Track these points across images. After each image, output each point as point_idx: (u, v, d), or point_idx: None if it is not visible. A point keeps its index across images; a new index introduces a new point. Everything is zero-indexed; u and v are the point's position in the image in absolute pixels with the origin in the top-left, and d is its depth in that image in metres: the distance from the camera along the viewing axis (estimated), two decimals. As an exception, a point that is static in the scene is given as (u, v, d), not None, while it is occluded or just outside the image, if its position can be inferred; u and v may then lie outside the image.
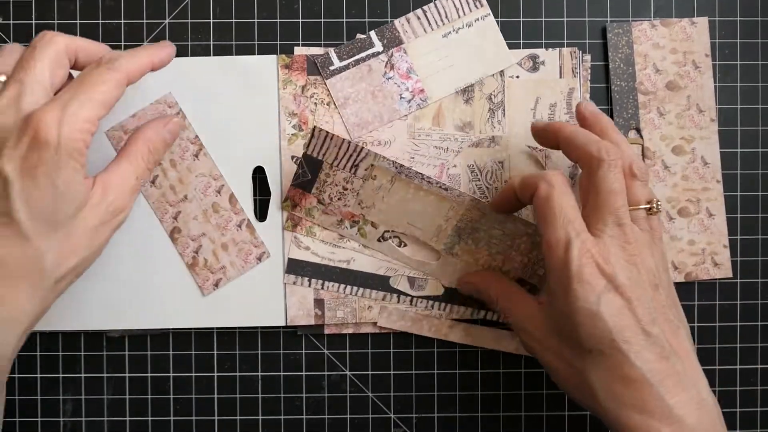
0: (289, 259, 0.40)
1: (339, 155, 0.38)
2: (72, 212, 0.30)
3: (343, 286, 0.40)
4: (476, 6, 0.41)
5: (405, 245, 0.40)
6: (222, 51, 0.41)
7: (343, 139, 0.38)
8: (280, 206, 0.40)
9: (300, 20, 0.41)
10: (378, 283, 0.40)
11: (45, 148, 0.29)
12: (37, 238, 0.29)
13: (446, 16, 0.41)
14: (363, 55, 0.40)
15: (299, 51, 0.41)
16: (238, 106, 0.40)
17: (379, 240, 0.40)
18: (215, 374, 0.41)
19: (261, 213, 0.41)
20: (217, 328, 0.41)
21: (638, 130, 0.41)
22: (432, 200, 0.38)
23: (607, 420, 0.31)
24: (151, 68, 0.34)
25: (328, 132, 0.37)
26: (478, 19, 0.41)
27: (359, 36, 0.41)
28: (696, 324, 0.41)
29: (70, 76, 0.34)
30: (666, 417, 0.29)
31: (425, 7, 0.41)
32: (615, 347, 0.30)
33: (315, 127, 0.37)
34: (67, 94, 0.30)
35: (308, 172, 0.39)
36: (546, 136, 0.36)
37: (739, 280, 0.41)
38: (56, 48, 0.31)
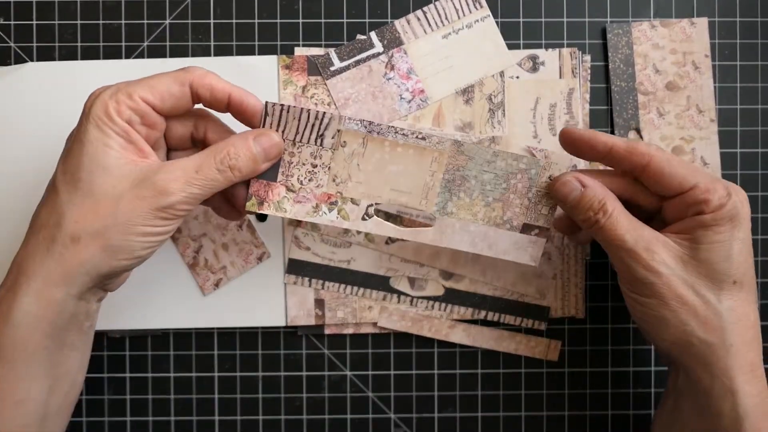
0: (290, 260, 0.40)
1: (300, 128, 0.33)
2: (94, 170, 0.30)
3: (343, 286, 0.40)
4: (476, 7, 0.41)
5: (395, 217, 0.36)
6: (222, 52, 0.41)
7: (302, 108, 0.33)
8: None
9: (300, 21, 0.41)
10: (378, 283, 0.41)
11: (84, 111, 0.31)
12: (62, 192, 0.31)
13: (446, 17, 0.41)
14: (363, 55, 0.40)
15: (299, 51, 0.41)
16: (239, 106, 0.40)
17: (363, 218, 0.35)
18: (215, 374, 0.41)
19: (261, 213, 0.41)
20: (218, 328, 0.41)
21: (638, 131, 0.41)
22: (411, 155, 0.34)
23: (723, 361, 0.32)
24: (229, 101, 0.32)
25: (282, 104, 0.33)
26: (478, 20, 0.41)
27: (359, 37, 0.41)
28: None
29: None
30: (760, 364, 0.32)
31: (425, 8, 0.41)
32: (752, 283, 0.32)
33: (266, 102, 0.33)
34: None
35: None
36: (589, 145, 0.34)
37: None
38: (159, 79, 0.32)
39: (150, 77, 0.32)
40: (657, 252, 0.32)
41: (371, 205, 0.35)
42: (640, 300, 0.33)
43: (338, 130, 0.34)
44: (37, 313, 0.30)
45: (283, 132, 0.33)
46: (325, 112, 0.33)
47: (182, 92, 0.31)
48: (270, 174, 0.34)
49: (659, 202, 0.34)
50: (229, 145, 0.32)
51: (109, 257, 0.30)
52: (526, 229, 0.36)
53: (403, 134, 0.34)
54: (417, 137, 0.34)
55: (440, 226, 0.35)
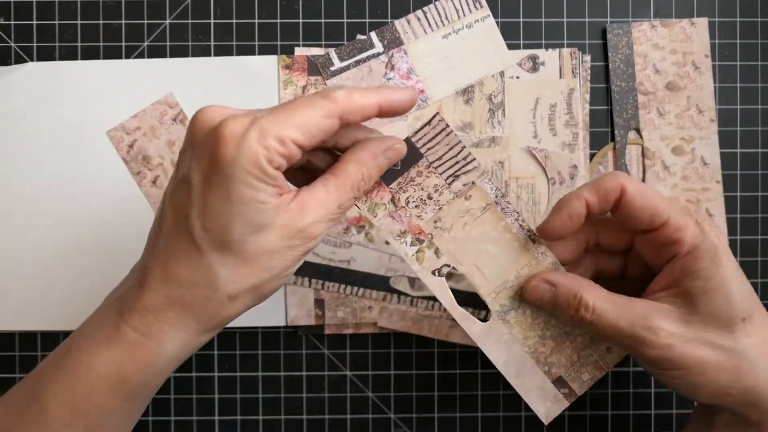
0: (290, 260, 0.40)
1: (444, 157, 0.32)
2: (248, 232, 0.27)
3: (343, 286, 0.40)
4: (476, 7, 0.41)
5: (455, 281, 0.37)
6: (223, 51, 0.41)
7: (459, 141, 0.32)
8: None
9: (300, 21, 0.41)
10: (378, 283, 0.41)
11: (222, 157, 0.26)
12: (207, 251, 0.27)
13: (446, 17, 0.41)
14: (363, 55, 0.40)
15: (300, 51, 0.41)
16: (239, 106, 0.40)
17: (434, 273, 0.33)
18: (216, 374, 0.41)
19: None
20: (218, 329, 0.41)
21: (638, 131, 0.41)
22: (514, 247, 0.33)
23: (761, 389, 0.30)
24: (380, 111, 0.29)
25: (447, 125, 0.31)
26: (478, 20, 0.41)
27: (360, 37, 0.41)
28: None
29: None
30: None
31: (425, 8, 0.41)
32: (759, 306, 0.31)
33: (437, 114, 0.31)
34: (266, 111, 0.27)
35: (399, 162, 0.31)
36: (575, 218, 0.31)
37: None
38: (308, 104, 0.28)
39: (291, 108, 0.27)
40: (658, 326, 0.29)
41: (448, 265, 0.33)
42: (667, 374, 0.31)
43: (473, 182, 0.32)
44: (176, 357, 0.29)
45: (429, 150, 0.32)
46: (474, 158, 0.32)
47: (332, 126, 0.28)
48: (387, 176, 0.32)
49: (629, 240, 0.33)
50: (361, 168, 0.29)
51: (258, 300, 0.29)
52: (559, 382, 0.34)
53: (521, 225, 0.32)
54: (529, 236, 0.32)
55: (490, 327, 0.33)
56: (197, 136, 0.27)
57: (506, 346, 0.33)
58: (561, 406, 0.34)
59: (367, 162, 0.29)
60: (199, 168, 0.27)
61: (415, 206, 0.32)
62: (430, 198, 0.32)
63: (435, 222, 0.32)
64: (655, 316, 0.30)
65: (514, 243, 0.33)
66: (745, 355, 0.30)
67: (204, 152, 0.27)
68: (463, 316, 0.33)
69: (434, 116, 0.31)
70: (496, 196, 0.32)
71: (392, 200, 0.32)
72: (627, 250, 0.33)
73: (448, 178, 0.32)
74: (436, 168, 0.32)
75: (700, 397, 0.31)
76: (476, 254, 0.33)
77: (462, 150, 0.32)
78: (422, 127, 0.31)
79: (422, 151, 0.32)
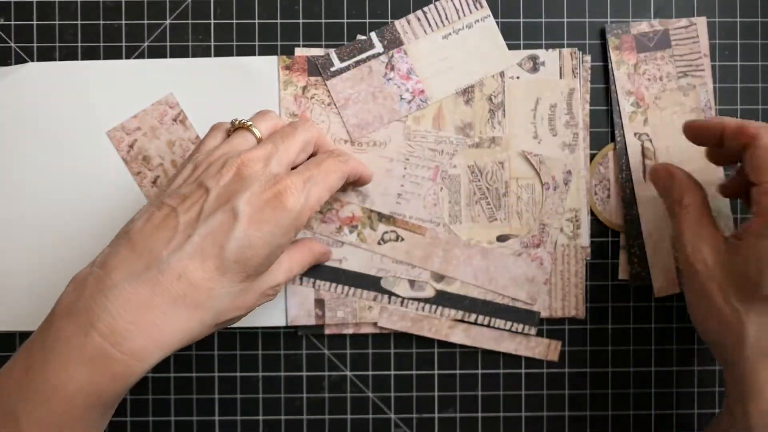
0: (290, 260, 0.40)
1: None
2: (260, 273, 0.32)
3: (335, 285, 0.40)
4: (476, 7, 0.41)
5: (402, 240, 0.40)
6: (223, 52, 0.41)
7: None
8: None
9: (300, 21, 0.41)
10: (369, 283, 0.40)
11: (283, 211, 0.30)
12: (226, 280, 0.30)
13: (446, 18, 0.41)
14: (363, 56, 0.40)
15: (300, 52, 0.41)
16: (239, 106, 0.40)
17: (379, 243, 0.40)
18: (216, 374, 0.41)
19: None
20: (218, 329, 0.41)
21: (638, 132, 0.41)
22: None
23: (740, 368, 0.32)
24: (361, 179, 0.38)
25: None
26: (478, 21, 0.41)
27: (360, 37, 0.41)
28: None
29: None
30: None
31: (425, 9, 0.41)
32: None
33: None
34: (308, 171, 0.32)
35: None
36: (707, 132, 0.35)
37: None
38: (311, 135, 0.35)
39: (324, 174, 0.33)
40: (701, 251, 0.33)
41: (387, 232, 0.40)
42: (683, 288, 0.35)
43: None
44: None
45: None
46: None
47: (343, 178, 0.35)
48: None
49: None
50: (310, 256, 0.38)
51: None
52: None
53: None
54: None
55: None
56: (254, 173, 0.31)
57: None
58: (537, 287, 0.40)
59: (315, 255, 0.39)
60: (252, 203, 0.30)
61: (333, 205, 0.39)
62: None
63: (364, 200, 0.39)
64: (708, 244, 0.33)
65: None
66: (744, 325, 0.32)
67: (263, 193, 0.30)
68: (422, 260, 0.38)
69: None
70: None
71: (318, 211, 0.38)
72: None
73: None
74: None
75: (702, 334, 0.35)
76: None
77: None
78: None
79: None
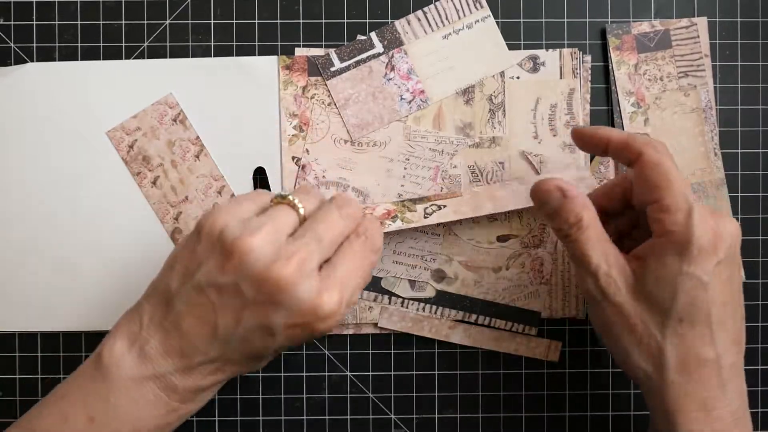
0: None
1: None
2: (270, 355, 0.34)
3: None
4: (476, 7, 0.41)
5: (445, 207, 0.39)
6: (223, 52, 0.41)
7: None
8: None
9: (300, 21, 0.41)
10: (369, 284, 0.40)
11: (315, 332, 0.31)
12: (265, 361, 0.34)
13: (446, 18, 0.41)
14: (364, 56, 0.40)
15: (300, 52, 0.41)
16: (239, 106, 0.40)
17: (425, 217, 0.39)
18: (216, 375, 0.41)
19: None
20: (218, 329, 0.41)
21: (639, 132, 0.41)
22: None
23: (663, 393, 0.31)
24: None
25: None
26: (478, 21, 0.41)
27: (360, 37, 0.41)
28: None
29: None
30: (722, 404, 0.31)
31: (426, 9, 0.41)
32: (707, 322, 0.30)
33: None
34: (342, 273, 0.32)
35: None
36: (592, 142, 0.34)
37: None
38: (352, 223, 0.33)
39: (362, 273, 0.33)
40: (614, 278, 0.31)
41: (426, 207, 0.39)
42: (592, 316, 0.34)
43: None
44: None
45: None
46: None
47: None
48: None
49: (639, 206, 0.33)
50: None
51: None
52: None
53: None
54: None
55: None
56: (284, 300, 0.30)
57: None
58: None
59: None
60: (288, 328, 0.31)
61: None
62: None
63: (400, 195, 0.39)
64: (618, 270, 0.32)
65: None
66: (663, 350, 0.31)
67: (298, 319, 0.30)
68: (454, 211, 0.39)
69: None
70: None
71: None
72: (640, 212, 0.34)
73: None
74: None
75: (615, 358, 0.34)
76: None
77: None
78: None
79: None
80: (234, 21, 0.41)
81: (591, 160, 0.41)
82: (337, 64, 0.40)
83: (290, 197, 0.32)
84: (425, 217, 0.38)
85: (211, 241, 0.30)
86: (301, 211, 0.32)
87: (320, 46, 0.41)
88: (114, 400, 0.31)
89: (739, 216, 0.41)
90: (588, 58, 0.41)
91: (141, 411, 0.31)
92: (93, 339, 0.41)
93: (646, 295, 0.31)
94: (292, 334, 0.31)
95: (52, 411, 0.31)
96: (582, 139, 0.35)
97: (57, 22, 0.41)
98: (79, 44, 0.41)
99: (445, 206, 0.39)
